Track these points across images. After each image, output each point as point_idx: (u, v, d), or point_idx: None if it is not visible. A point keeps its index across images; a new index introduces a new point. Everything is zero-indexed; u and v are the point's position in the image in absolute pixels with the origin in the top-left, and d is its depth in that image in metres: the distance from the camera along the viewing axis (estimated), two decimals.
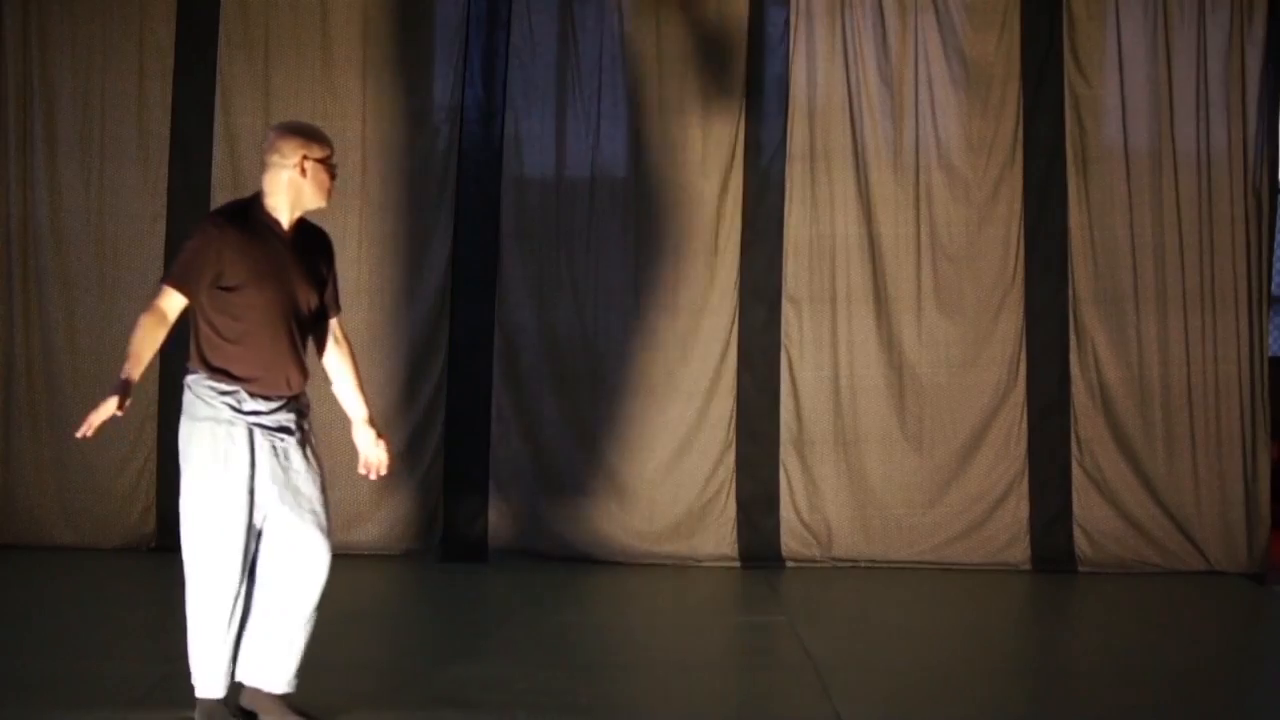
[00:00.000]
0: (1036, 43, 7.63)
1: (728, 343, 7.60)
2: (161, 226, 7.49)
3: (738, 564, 7.52)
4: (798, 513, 7.57)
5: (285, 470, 4.42)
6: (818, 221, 7.63)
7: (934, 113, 7.65)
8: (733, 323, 7.60)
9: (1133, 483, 7.57)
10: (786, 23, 7.64)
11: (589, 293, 7.59)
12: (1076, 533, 7.57)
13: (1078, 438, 7.59)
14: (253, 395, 4.36)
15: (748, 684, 5.40)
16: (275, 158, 4.43)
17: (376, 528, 7.48)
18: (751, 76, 7.63)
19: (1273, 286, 8.04)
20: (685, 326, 7.60)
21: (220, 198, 7.47)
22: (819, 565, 7.54)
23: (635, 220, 7.60)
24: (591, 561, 7.47)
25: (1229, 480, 7.56)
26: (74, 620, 6.01)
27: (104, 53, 7.50)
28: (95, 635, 5.79)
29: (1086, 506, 7.57)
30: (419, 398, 7.52)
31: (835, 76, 7.64)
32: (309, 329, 4.55)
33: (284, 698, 4.49)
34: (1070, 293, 7.61)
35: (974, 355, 7.61)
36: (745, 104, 7.61)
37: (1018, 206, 7.64)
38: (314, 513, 4.45)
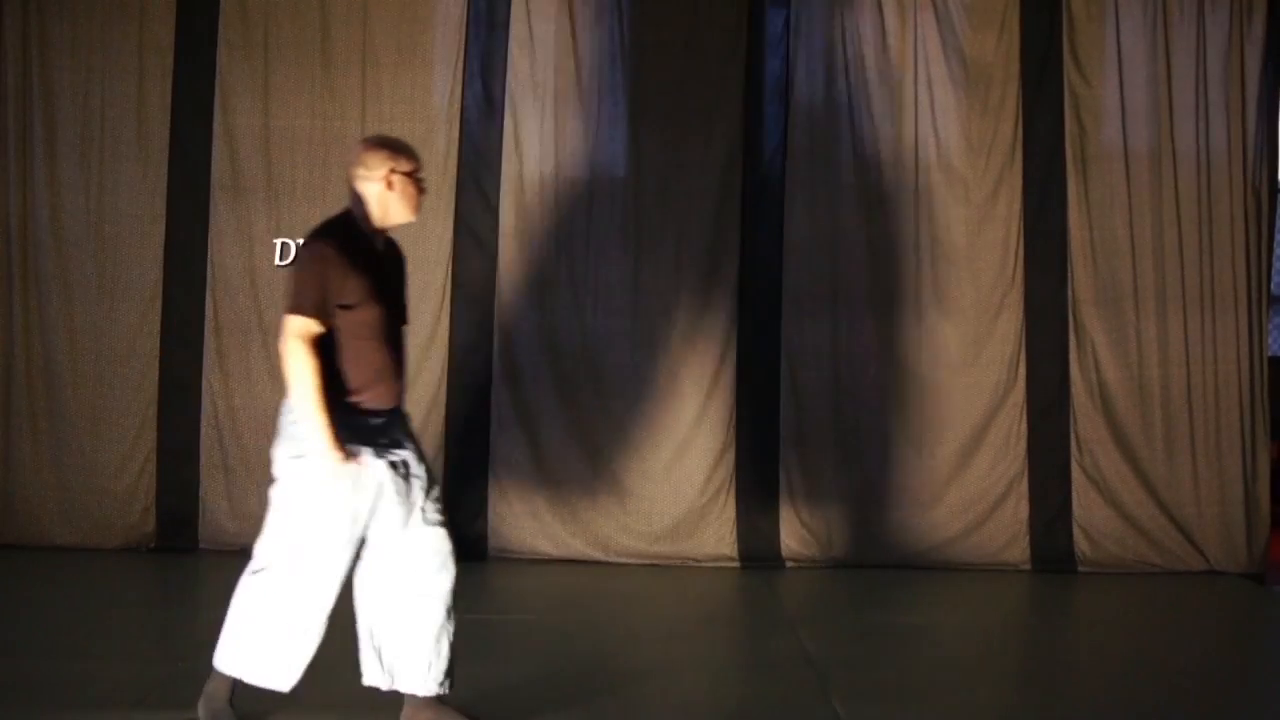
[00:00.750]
0: (1036, 43, 7.63)
1: (728, 342, 7.59)
2: (161, 227, 7.50)
3: (738, 564, 7.52)
4: (798, 513, 7.57)
5: (407, 479, 4.46)
6: (818, 221, 7.63)
7: (934, 113, 7.65)
8: (733, 322, 7.60)
9: (1133, 483, 7.57)
10: (786, 23, 7.65)
11: (589, 293, 7.59)
12: (1076, 533, 7.57)
13: (1078, 438, 7.60)
14: (367, 411, 4.38)
15: (748, 684, 5.39)
16: (361, 171, 4.45)
17: None
18: (751, 76, 7.63)
19: (1273, 286, 8.05)
20: (685, 326, 7.60)
21: (220, 198, 7.49)
22: (819, 565, 7.54)
23: (635, 220, 7.60)
24: (591, 562, 7.47)
25: (1229, 480, 7.56)
26: (74, 620, 6.01)
27: (104, 53, 7.50)
28: (95, 636, 5.79)
29: (1086, 506, 7.57)
30: (419, 397, 7.51)
31: (835, 76, 7.64)
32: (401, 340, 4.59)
33: (441, 699, 4.54)
34: (1070, 293, 7.62)
35: (974, 355, 7.62)
36: (745, 104, 7.61)
37: (1017, 206, 7.64)
38: (439, 515, 4.53)
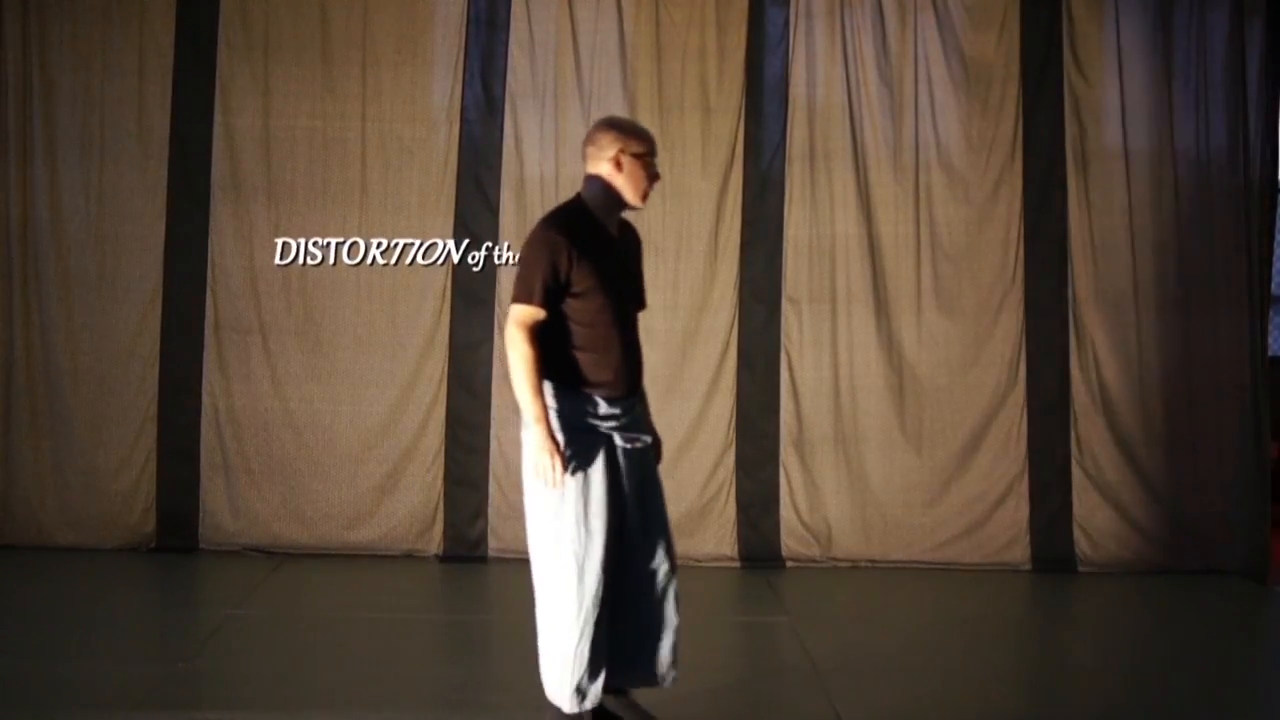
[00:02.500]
0: (1036, 42, 7.62)
1: (728, 343, 7.59)
2: (161, 227, 7.49)
3: (738, 564, 7.52)
4: (798, 513, 7.57)
5: (642, 468, 4.43)
6: (818, 221, 7.63)
7: (934, 113, 7.64)
8: (732, 323, 7.60)
9: (1133, 483, 7.56)
10: (786, 23, 7.64)
11: None
12: (1076, 533, 7.56)
13: (1078, 438, 7.59)
14: (608, 400, 4.33)
15: (748, 684, 5.39)
16: (591, 150, 4.40)
17: (376, 527, 7.48)
18: (751, 76, 7.63)
19: (1273, 286, 8.03)
20: (685, 326, 7.59)
21: (220, 198, 7.49)
22: (819, 565, 7.54)
23: (635, 220, 7.56)
24: None
25: (1229, 480, 7.55)
26: (74, 621, 6.01)
27: (104, 53, 7.49)
28: (95, 636, 5.79)
29: (1086, 506, 7.57)
30: (419, 397, 7.52)
31: (835, 76, 7.64)
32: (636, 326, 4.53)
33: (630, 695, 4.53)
34: (1070, 293, 7.61)
35: (974, 355, 7.61)
36: (745, 104, 7.61)
37: (1017, 206, 7.63)
38: (666, 511, 4.52)
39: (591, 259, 4.29)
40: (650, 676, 4.51)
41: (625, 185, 4.39)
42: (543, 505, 4.31)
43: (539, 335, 4.25)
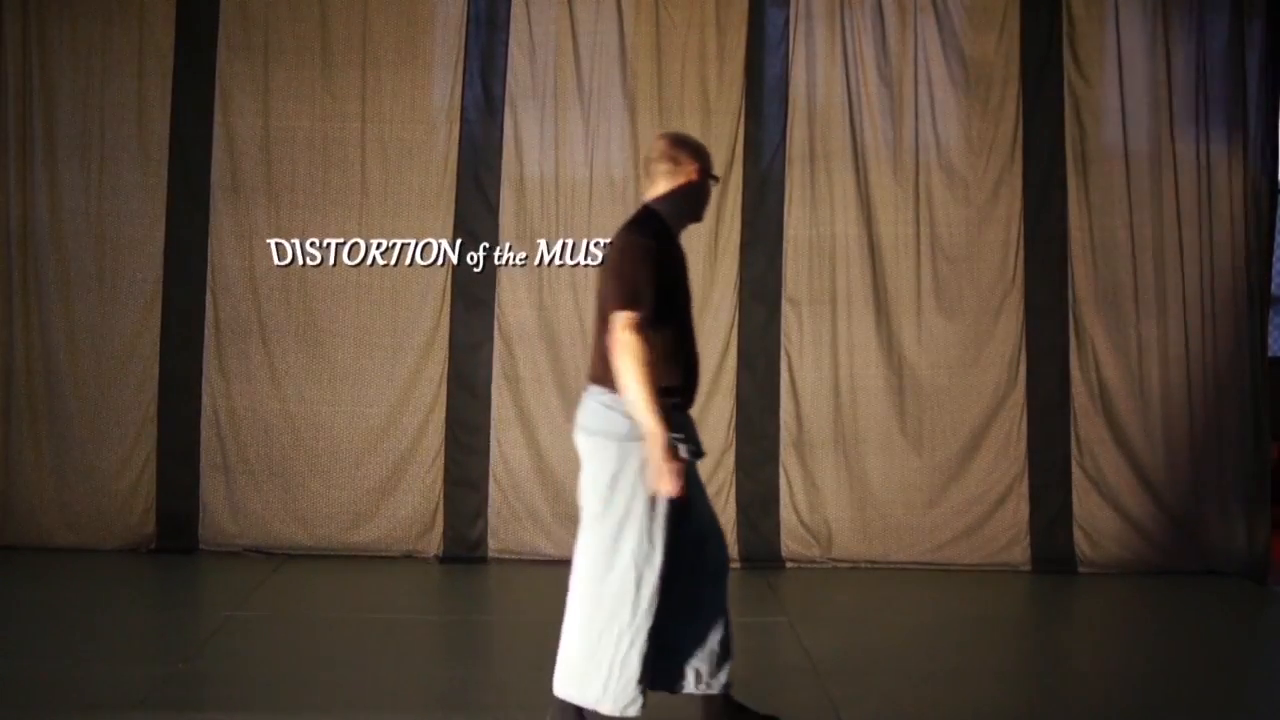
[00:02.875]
0: (1036, 43, 7.63)
1: (728, 343, 7.60)
2: (161, 227, 7.50)
3: (738, 565, 7.50)
4: (797, 513, 7.57)
5: (698, 477, 4.48)
6: (817, 222, 7.63)
7: (934, 113, 7.65)
8: (732, 323, 7.60)
9: (1133, 483, 7.56)
10: (786, 23, 7.64)
11: (589, 293, 7.58)
12: (1076, 533, 7.57)
13: (1078, 438, 7.59)
14: (678, 408, 4.34)
15: (748, 684, 5.39)
16: (668, 166, 4.41)
17: (376, 528, 7.48)
18: (751, 76, 7.63)
19: (1273, 286, 8.03)
20: None
21: (220, 198, 7.49)
22: (819, 566, 7.54)
23: None
24: None
25: (1229, 480, 7.55)
26: (74, 622, 6.01)
27: (104, 54, 7.49)
28: (95, 636, 5.79)
29: (1086, 507, 7.57)
30: (419, 398, 7.52)
31: (835, 76, 7.64)
32: None
33: (724, 697, 4.54)
34: (1070, 293, 7.61)
35: (974, 355, 7.61)
36: (745, 104, 7.61)
37: (1017, 207, 7.64)
38: (717, 515, 4.58)
39: (675, 272, 4.35)
40: (698, 682, 4.54)
41: (698, 200, 4.46)
42: (609, 514, 4.30)
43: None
